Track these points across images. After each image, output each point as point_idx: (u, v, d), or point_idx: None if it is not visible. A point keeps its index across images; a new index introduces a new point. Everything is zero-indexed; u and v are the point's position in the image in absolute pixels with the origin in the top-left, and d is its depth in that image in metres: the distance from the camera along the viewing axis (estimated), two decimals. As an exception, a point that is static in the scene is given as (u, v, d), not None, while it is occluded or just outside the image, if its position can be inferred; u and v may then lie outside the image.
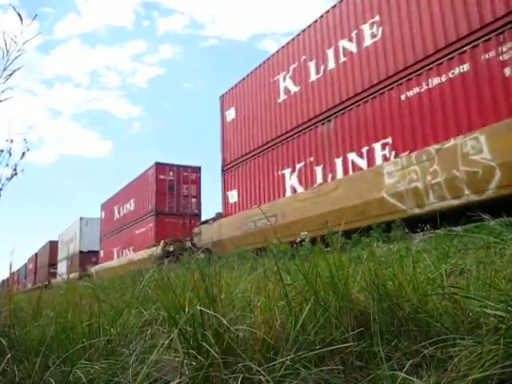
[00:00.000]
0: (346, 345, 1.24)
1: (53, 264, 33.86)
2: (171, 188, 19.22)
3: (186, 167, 19.89)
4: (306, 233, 9.63)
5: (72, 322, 1.55)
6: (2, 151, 1.99)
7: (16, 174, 2.02)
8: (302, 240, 9.19)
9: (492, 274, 1.72)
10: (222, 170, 12.54)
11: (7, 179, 1.97)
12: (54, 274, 32.15)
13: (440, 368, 1.14)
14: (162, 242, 15.49)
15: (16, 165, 2.01)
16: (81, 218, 29.61)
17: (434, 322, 1.34)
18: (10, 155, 2.01)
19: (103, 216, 26.26)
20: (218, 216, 12.43)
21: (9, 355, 1.29)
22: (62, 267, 31.94)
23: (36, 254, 40.44)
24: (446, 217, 5.33)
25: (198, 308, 1.22)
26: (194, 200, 19.62)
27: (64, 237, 33.25)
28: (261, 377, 1.08)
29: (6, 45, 1.81)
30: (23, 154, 2.07)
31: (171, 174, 19.35)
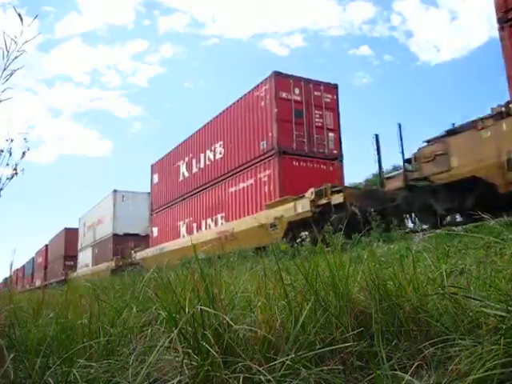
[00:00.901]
0: (347, 345, 1.24)
1: (70, 255, 27.95)
2: (299, 114, 11.74)
3: (317, 83, 12.32)
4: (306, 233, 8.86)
5: (72, 322, 1.55)
6: (3, 151, 1.99)
7: (16, 173, 2.01)
8: (302, 240, 9.05)
9: (492, 274, 1.72)
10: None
11: (7, 179, 1.97)
12: (70, 268, 26.29)
13: (440, 368, 1.14)
14: (310, 190, 9.10)
15: (16, 164, 2.01)
16: (115, 191, 22.05)
17: (434, 321, 1.34)
18: (11, 155, 2.01)
19: (157, 180, 18.52)
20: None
21: (9, 356, 1.29)
22: (85, 257, 25.11)
23: (46, 246, 34.10)
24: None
25: (199, 308, 1.22)
26: (331, 135, 12.16)
27: (88, 219, 25.87)
28: (261, 376, 1.08)
29: (5, 45, 1.81)
30: (23, 153, 2.07)
31: (297, 91, 11.87)
